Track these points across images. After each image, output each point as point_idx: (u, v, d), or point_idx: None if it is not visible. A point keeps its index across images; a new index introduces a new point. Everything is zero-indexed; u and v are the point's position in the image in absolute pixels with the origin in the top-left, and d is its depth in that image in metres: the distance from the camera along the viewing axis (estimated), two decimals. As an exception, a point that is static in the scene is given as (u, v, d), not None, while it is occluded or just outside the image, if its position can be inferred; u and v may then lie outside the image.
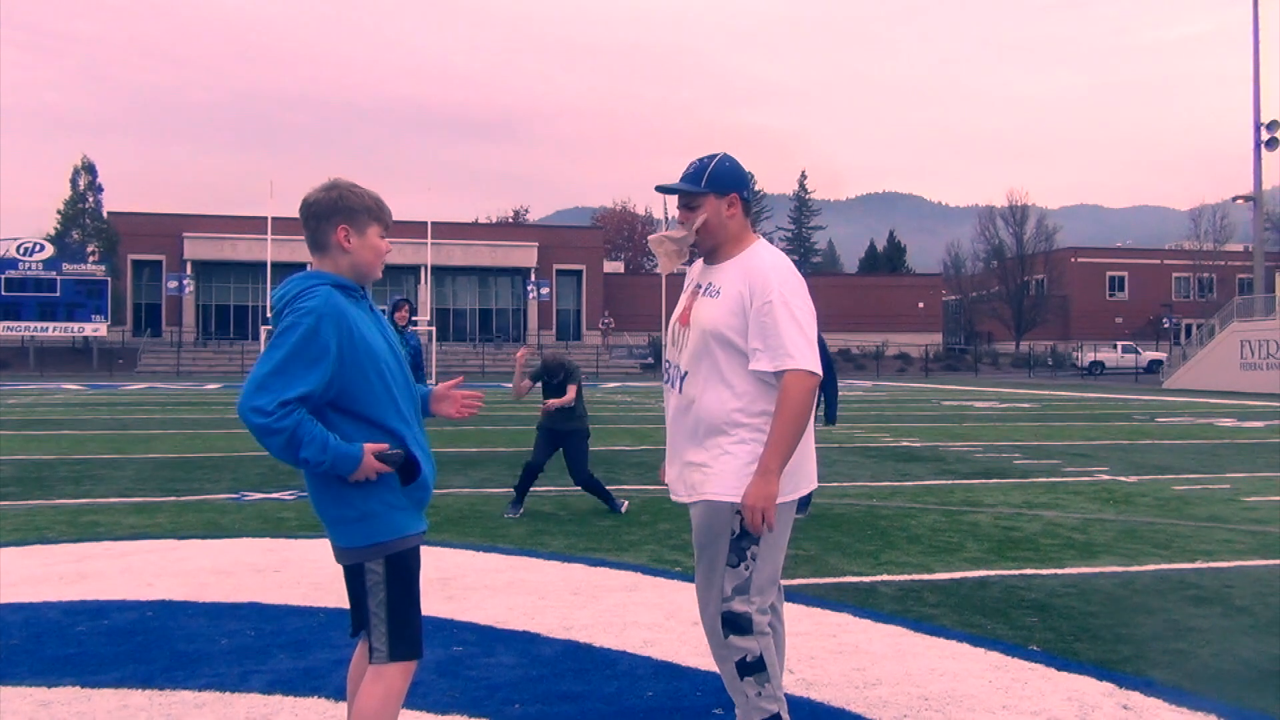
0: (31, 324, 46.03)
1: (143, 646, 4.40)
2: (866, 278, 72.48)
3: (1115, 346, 56.01)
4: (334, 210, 2.77)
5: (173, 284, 53.63)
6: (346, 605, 2.82)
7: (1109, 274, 71.48)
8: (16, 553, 6.32)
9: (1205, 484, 9.98)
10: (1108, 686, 3.97)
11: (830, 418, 8.83)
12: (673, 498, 3.20)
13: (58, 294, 46.05)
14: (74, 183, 51.33)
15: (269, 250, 44.17)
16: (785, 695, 3.13)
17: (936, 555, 6.43)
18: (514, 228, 72.19)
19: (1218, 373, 36.53)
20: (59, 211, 51.59)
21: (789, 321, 2.96)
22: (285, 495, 8.74)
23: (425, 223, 48.02)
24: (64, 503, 8.41)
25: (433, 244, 48.08)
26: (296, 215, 2.84)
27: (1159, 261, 72.28)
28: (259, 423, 2.53)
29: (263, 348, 2.67)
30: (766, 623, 3.05)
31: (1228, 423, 18.73)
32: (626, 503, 8.07)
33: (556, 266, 58.04)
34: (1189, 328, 57.87)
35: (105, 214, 52.38)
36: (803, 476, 3.13)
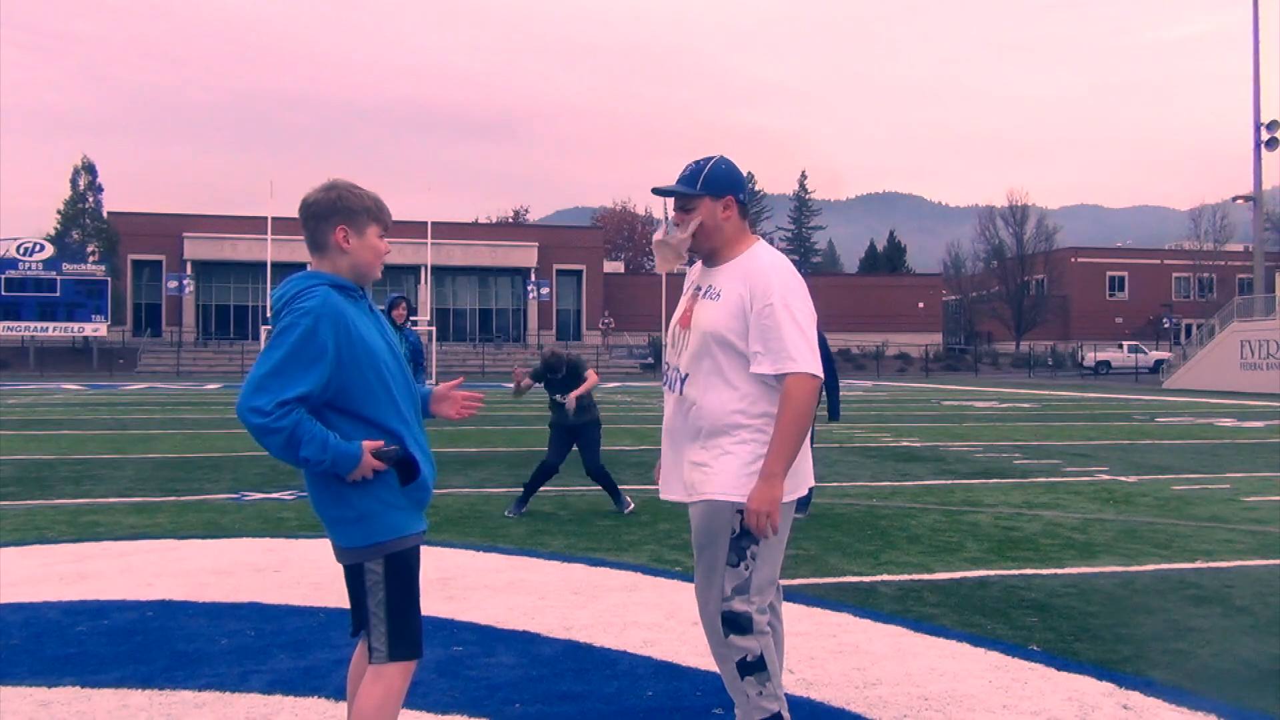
0: (31, 324, 46.04)
1: (143, 646, 4.40)
2: (866, 278, 72.51)
3: (1121, 346, 55.98)
4: (333, 210, 2.77)
5: (173, 284, 53.67)
6: (347, 605, 2.83)
7: (1109, 274, 71.50)
8: (16, 553, 6.32)
9: (1205, 484, 9.98)
10: (1108, 686, 3.97)
11: (834, 413, 8.85)
12: (662, 496, 3.20)
13: (58, 294, 46.05)
14: (74, 183, 51.37)
15: (269, 250, 44.15)
16: (785, 695, 3.13)
17: (936, 555, 6.43)
18: (514, 228, 72.20)
19: (1218, 373, 36.54)
20: (59, 211, 51.65)
21: (790, 324, 2.96)
22: (285, 495, 8.74)
23: (425, 223, 48.01)
24: (64, 503, 8.41)
25: (433, 244, 48.07)
26: (296, 215, 2.84)
27: (1159, 261, 72.31)
28: (257, 423, 2.54)
29: (263, 348, 2.67)
30: (766, 622, 3.05)
31: (1228, 423, 18.73)
32: (633, 504, 7.99)
33: (556, 266, 58.07)
34: (1189, 328, 57.89)
35: (105, 214, 52.41)
36: (801, 476, 3.13)
